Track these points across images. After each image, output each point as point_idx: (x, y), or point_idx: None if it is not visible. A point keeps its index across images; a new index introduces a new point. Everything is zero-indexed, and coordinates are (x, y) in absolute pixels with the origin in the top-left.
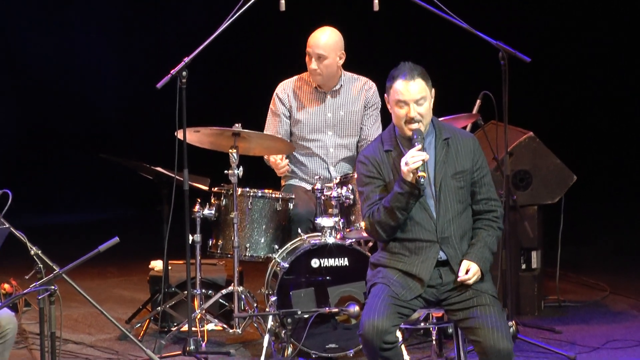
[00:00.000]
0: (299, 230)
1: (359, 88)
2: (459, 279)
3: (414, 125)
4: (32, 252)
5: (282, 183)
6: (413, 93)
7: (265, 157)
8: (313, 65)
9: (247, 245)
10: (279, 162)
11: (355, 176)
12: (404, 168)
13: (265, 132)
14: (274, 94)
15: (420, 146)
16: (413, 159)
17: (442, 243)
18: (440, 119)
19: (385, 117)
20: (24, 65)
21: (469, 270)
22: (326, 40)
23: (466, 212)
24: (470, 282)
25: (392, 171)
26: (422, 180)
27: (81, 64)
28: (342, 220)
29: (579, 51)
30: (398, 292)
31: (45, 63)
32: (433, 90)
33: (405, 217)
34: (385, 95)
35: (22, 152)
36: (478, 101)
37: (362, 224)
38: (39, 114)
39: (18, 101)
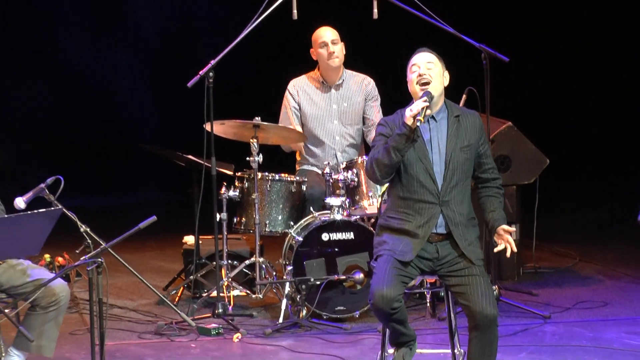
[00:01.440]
0: (311, 209)
1: (359, 83)
2: (503, 239)
3: (425, 86)
4: (82, 230)
5: (297, 168)
6: (424, 58)
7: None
8: (330, 49)
9: (267, 222)
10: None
11: (360, 161)
12: (407, 113)
13: (279, 123)
14: (286, 90)
15: (425, 98)
16: (416, 106)
17: (442, 205)
18: None
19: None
20: (73, 71)
21: (510, 232)
22: (332, 30)
23: (467, 181)
24: (512, 240)
25: None
26: (418, 123)
27: (121, 67)
28: (348, 199)
29: (551, 52)
30: (401, 259)
31: (89, 66)
32: (447, 72)
33: (395, 160)
34: (406, 72)
35: (78, 144)
36: (464, 96)
37: (367, 202)
38: (90, 110)
39: (72, 99)
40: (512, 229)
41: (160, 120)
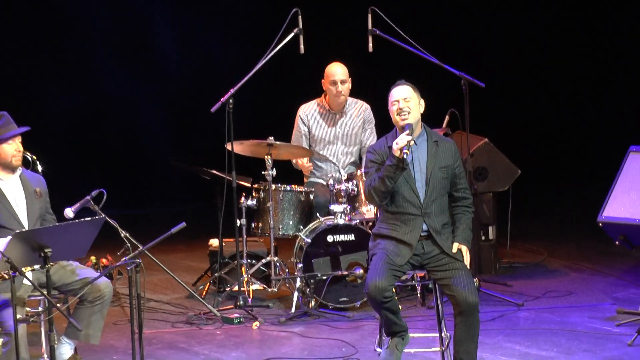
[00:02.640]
0: (318, 215)
1: (358, 109)
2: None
3: (404, 117)
4: (122, 235)
5: (305, 180)
6: (401, 93)
7: (294, 161)
8: (339, 88)
9: (280, 226)
10: (305, 164)
11: (358, 173)
12: (394, 146)
13: (291, 142)
14: (297, 114)
15: (408, 131)
16: (401, 140)
17: (424, 216)
18: None
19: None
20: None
21: (460, 250)
22: (343, 69)
23: (445, 196)
24: (465, 261)
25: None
26: (405, 156)
27: (151, 94)
28: (349, 206)
29: (521, 79)
30: (393, 259)
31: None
32: (422, 100)
33: (390, 187)
34: (388, 104)
35: (113, 158)
36: (447, 116)
37: (365, 209)
38: (130, 135)
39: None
40: (463, 249)
41: (186, 139)
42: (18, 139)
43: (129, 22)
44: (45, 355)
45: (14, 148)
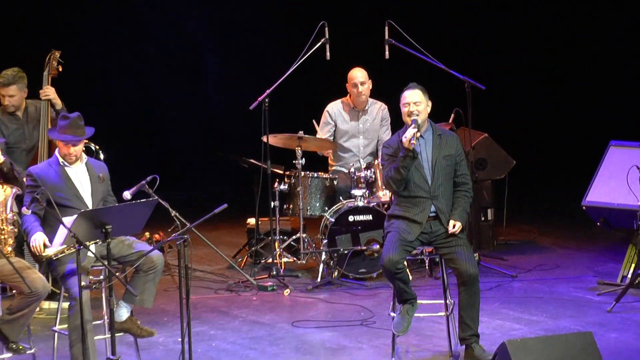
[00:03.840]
0: (341, 198)
1: (378, 108)
2: (449, 232)
3: (413, 116)
4: (172, 214)
5: (330, 169)
6: (413, 97)
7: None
8: (359, 89)
9: (308, 207)
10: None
11: (375, 163)
12: (403, 139)
13: (317, 135)
14: (325, 110)
15: (413, 125)
16: (409, 133)
17: (433, 199)
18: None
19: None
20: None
21: (455, 226)
22: (363, 73)
23: (449, 181)
24: (457, 233)
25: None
26: (413, 146)
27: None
28: (367, 191)
29: (517, 81)
30: (405, 236)
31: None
32: (430, 102)
33: (405, 174)
34: (400, 104)
35: (171, 152)
36: (452, 114)
37: (381, 193)
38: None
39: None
40: (457, 225)
41: (228, 132)
42: (77, 143)
43: (179, 34)
44: (106, 317)
45: (67, 150)
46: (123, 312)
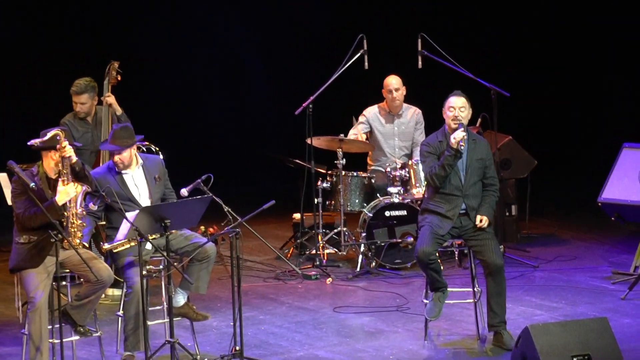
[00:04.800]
0: (378, 195)
1: (412, 113)
2: (477, 225)
3: (458, 121)
4: (225, 210)
5: (368, 168)
6: (459, 103)
7: (352, 136)
8: (394, 95)
9: (348, 204)
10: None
11: (410, 163)
12: (452, 140)
13: (352, 130)
14: (363, 113)
15: (462, 128)
16: (457, 135)
17: (464, 197)
18: None
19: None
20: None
21: (482, 220)
22: (397, 80)
23: (479, 182)
24: (484, 227)
25: (441, 151)
26: (461, 148)
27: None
28: (402, 189)
29: (538, 88)
30: (437, 230)
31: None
32: (471, 109)
33: (449, 172)
34: (443, 107)
35: (225, 153)
36: (479, 119)
37: (415, 190)
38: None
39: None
40: (484, 219)
41: (279, 135)
42: (124, 150)
43: (226, 44)
44: (165, 303)
45: (114, 158)
46: (180, 299)
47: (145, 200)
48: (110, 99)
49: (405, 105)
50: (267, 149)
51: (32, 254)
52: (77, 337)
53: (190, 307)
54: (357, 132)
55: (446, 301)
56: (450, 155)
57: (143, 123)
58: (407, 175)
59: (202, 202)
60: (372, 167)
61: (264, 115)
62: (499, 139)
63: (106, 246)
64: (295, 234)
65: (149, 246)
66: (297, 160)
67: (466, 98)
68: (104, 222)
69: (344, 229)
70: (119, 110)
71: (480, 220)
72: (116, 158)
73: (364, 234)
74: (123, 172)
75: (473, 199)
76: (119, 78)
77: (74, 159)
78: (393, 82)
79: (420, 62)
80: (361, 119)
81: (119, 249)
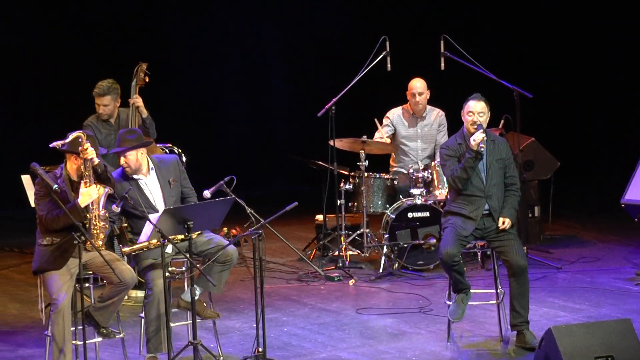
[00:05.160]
0: (401, 196)
1: (435, 115)
2: (500, 228)
3: (475, 127)
4: (248, 211)
5: (390, 170)
6: (478, 108)
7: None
8: (417, 98)
9: (371, 205)
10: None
11: (432, 164)
12: (471, 142)
13: (377, 133)
14: (386, 115)
15: (481, 130)
16: (477, 136)
17: (487, 198)
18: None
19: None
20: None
21: (504, 222)
22: (421, 84)
23: (501, 182)
24: (507, 228)
25: (460, 153)
26: (481, 149)
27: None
28: (425, 190)
29: (561, 90)
30: (460, 232)
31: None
32: (489, 113)
33: (471, 174)
34: (462, 110)
35: (245, 154)
36: (502, 120)
37: (438, 192)
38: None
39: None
40: (506, 221)
41: (300, 138)
42: (129, 153)
43: (248, 46)
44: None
45: (120, 161)
46: (195, 293)
47: (160, 206)
48: (138, 100)
49: (428, 107)
50: (291, 153)
51: (55, 256)
52: (100, 339)
53: (200, 303)
54: (381, 136)
55: (469, 302)
56: (471, 158)
57: (167, 125)
58: (430, 176)
59: (225, 203)
60: (395, 169)
61: (285, 117)
62: (522, 141)
63: (125, 249)
64: (317, 235)
65: (169, 249)
66: (320, 162)
67: (485, 102)
68: (126, 224)
69: (367, 230)
70: (144, 113)
71: (503, 222)
72: (122, 161)
73: (386, 236)
74: (136, 177)
75: (496, 199)
76: (147, 80)
77: (96, 160)
78: (417, 85)
79: (442, 64)
80: (385, 121)
81: (139, 251)
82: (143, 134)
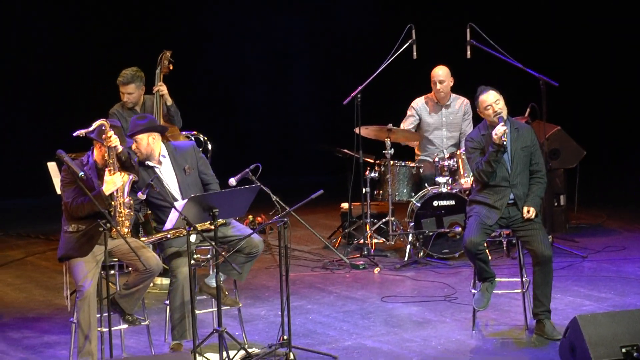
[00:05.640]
0: (426, 185)
1: (460, 103)
2: (525, 217)
3: (499, 115)
4: (274, 199)
5: (416, 158)
6: (492, 98)
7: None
8: (438, 87)
9: (396, 193)
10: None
11: (458, 153)
12: (494, 135)
13: (404, 122)
14: (411, 105)
15: (502, 122)
16: (499, 130)
17: (512, 187)
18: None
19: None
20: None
21: (529, 211)
22: (443, 72)
23: (526, 170)
24: (532, 217)
25: (485, 144)
26: (504, 142)
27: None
28: (450, 178)
29: (588, 78)
30: (485, 221)
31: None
32: (502, 97)
33: (496, 167)
34: (477, 109)
35: (271, 142)
36: (528, 109)
37: (463, 180)
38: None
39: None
40: (531, 210)
41: (327, 126)
42: (140, 138)
43: (273, 34)
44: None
45: (134, 146)
46: (214, 280)
47: (176, 194)
48: (162, 88)
49: (453, 95)
50: (316, 142)
51: (80, 243)
52: (126, 326)
53: (222, 289)
54: (407, 127)
55: (494, 291)
56: (495, 151)
57: (192, 113)
58: (455, 165)
59: (250, 191)
60: (420, 157)
61: (309, 106)
62: (548, 129)
63: (144, 239)
64: (343, 223)
65: (193, 238)
66: (346, 150)
67: (493, 89)
68: (150, 212)
69: (392, 218)
70: (169, 101)
71: (528, 211)
72: (133, 146)
73: (412, 224)
74: (151, 164)
75: (521, 188)
76: (171, 67)
77: (120, 148)
78: (439, 73)
79: (468, 52)
80: (409, 112)
81: (161, 240)
82: (168, 122)
